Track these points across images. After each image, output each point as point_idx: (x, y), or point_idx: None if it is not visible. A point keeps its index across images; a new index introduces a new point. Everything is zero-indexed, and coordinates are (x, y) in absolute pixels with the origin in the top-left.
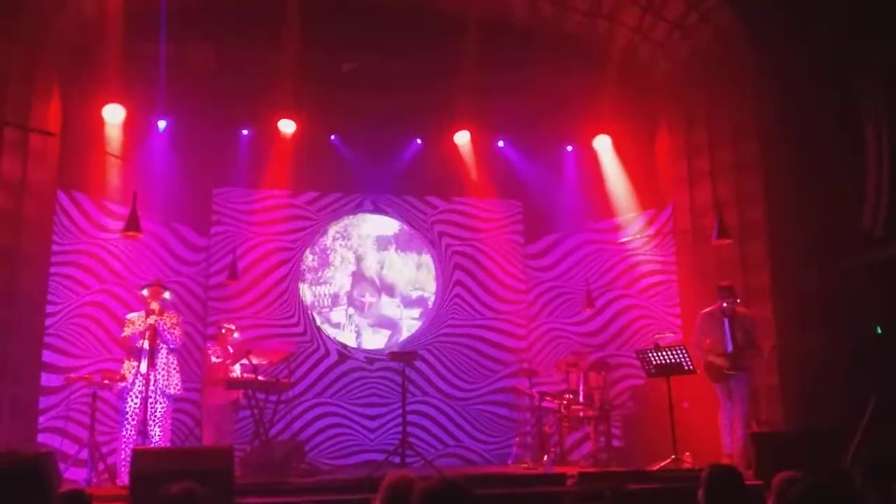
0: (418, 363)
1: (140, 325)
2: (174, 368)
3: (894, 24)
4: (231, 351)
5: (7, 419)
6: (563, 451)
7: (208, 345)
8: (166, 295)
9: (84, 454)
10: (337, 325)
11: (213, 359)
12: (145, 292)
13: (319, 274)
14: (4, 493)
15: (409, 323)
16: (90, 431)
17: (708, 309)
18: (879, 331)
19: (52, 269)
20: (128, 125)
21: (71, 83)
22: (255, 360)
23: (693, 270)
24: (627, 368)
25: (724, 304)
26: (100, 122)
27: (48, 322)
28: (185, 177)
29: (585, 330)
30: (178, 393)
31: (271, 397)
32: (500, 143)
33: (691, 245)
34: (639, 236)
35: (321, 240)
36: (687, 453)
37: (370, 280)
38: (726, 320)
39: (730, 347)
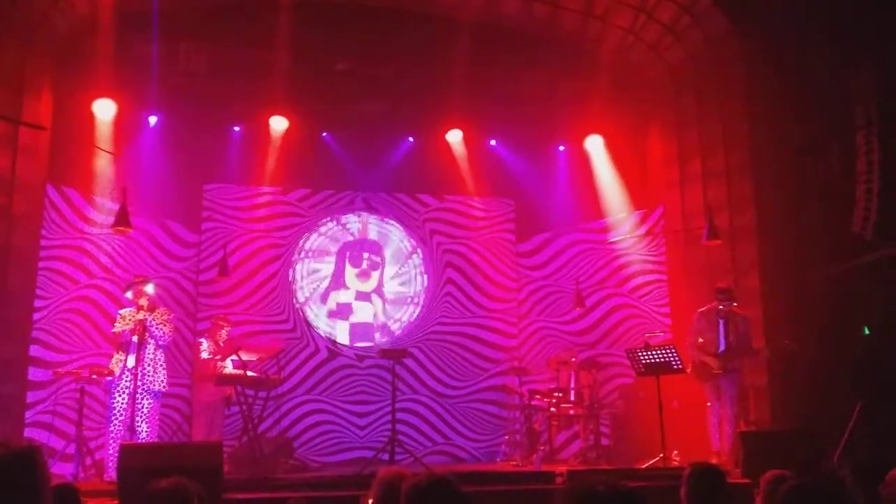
0: (408, 361)
1: (131, 321)
2: (161, 365)
3: (887, 31)
4: (222, 346)
5: None
6: (553, 450)
7: (200, 340)
8: (149, 288)
9: (71, 449)
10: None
11: (204, 355)
12: (129, 294)
13: (310, 269)
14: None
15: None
16: (77, 426)
17: (703, 308)
18: (867, 331)
19: (41, 264)
20: (118, 121)
21: (62, 78)
22: (244, 357)
23: (683, 271)
24: (617, 367)
25: (721, 307)
26: (90, 118)
27: (36, 317)
28: (176, 173)
29: (576, 328)
30: (164, 389)
31: (260, 393)
32: (493, 142)
33: (682, 246)
34: (629, 236)
35: (311, 237)
36: (675, 452)
37: (354, 276)
38: (721, 321)
39: (722, 347)
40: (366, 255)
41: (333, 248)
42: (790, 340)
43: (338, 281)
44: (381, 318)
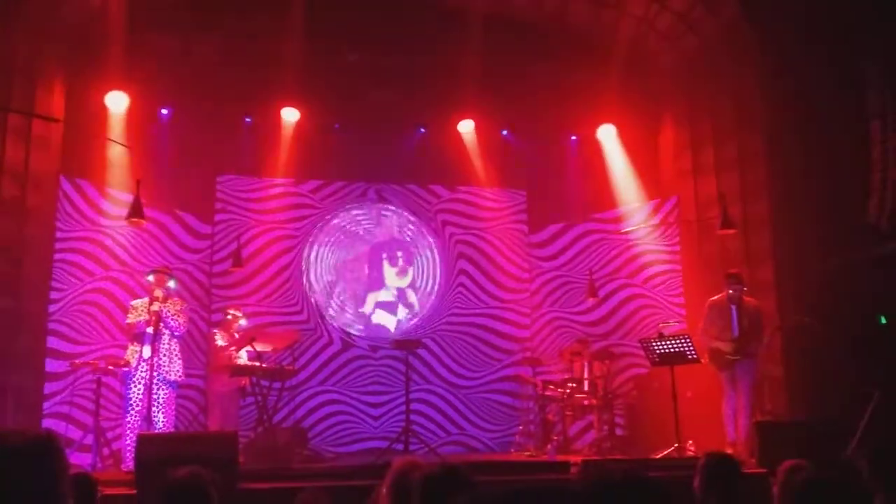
0: (422, 351)
1: (144, 311)
2: (176, 355)
3: None
4: (237, 337)
5: (12, 405)
6: (567, 440)
7: (214, 331)
8: (171, 284)
9: (89, 440)
10: (339, 312)
11: (220, 342)
12: (151, 278)
13: (324, 261)
14: (17, 470)
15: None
16: (95, 417)
17: (715, 297)
18: (883, 321)
19: (56, 257)
20: (131, 112)
21: (74, 70)
22: (258, 347)
23: (697, 261)
24: (631, 357)
25: (731, 292)
26: (103, 110)
27: (52, 309)
28: (189, 164)
29: (589, 319)
30: (180, 379)
31: (275, 384)
32: (504, 133)
33: (696, 236)
34: (643, 226)
35: (325, 227)
36: (690, 441)
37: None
38: (733, 307)
39: (735, 333)
40: (399, 252)
41: (360, 246)
42: (808, 318)
43: (377, 282)
44: (416, 310)
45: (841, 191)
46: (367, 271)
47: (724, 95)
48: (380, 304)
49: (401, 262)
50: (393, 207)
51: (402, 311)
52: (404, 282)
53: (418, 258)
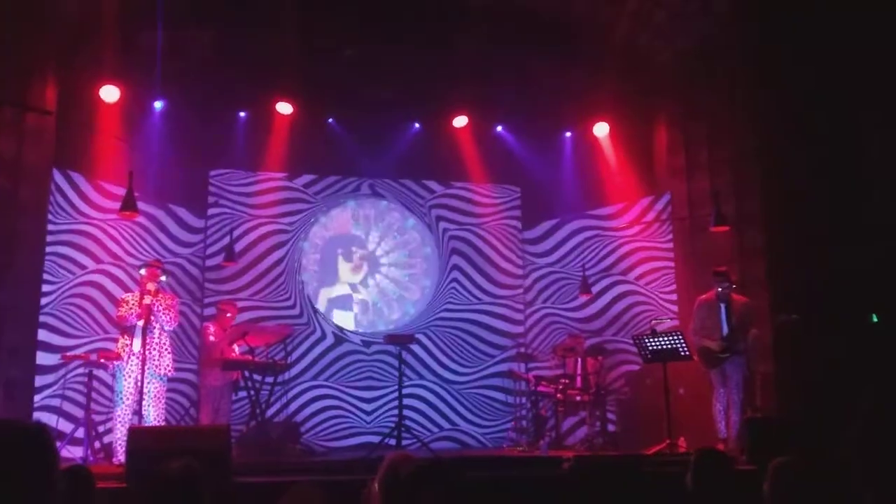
0: (415, 347)
1: (134, 305)
2: (166, 349)
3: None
4: (228, 331)
5: (2, 398)
6: (559, 436)
7: (206, 325)
8: (163, 278)
9: (80, 433)
10: (336, 307)
11: (212, 338)
12: (143, 271)
13: (316, 256)
14: (6, 460)
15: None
16: (86, 410)
17: (704, 296)
18: (875, 319)
19: (48, 249)
20: (124, 106)
21: (67, 63)
22: (251, 342)
23: (690, 257)
24: (624, 354)
25: (720, 290)
26: (96, 102)
27: (44, 301)
28: (182, 158)
29: (582, 315)
30: (170, 374)
31: (268, 379)
32: (499, 128)
33: (689, 233)
34: (636, 223)
35: (317, 224)
36: (682, 438)
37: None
38: (722, 305)
39: (725, 331)
40: (354, 248)
41: (322, 241)
42: (799, 316)
43: (331, 276)
44: (374, 307)
45: (834, 189)
46: (321, 266)
47: (719, 93)
48: (332, 301)
49: (356, 257)
50: (353, 202)
51: (356, 307)
52: (356, 277)
53: (395, 251)
